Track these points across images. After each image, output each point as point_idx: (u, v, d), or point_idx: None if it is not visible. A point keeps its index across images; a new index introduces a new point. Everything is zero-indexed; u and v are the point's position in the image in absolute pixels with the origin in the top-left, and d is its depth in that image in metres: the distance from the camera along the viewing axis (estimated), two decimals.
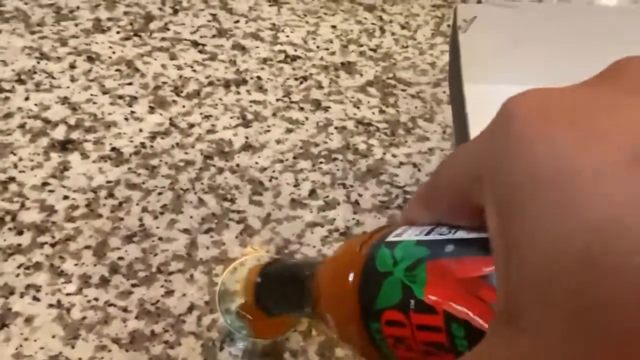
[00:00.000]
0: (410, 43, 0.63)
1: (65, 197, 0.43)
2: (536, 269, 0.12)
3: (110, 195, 0.44)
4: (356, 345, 0.22)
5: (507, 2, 0.36)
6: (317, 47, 0.60)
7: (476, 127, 0.35)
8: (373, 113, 0.55)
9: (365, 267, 0.21)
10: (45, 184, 0.44)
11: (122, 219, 0.43)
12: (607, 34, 0.41)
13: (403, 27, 0.65)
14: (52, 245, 0.40)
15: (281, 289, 0.30)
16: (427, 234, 0.20)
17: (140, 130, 0.49)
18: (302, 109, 0.54)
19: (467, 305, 0.17)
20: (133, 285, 0.39)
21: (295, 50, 0.59)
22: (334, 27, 0.63)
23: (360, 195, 0.48)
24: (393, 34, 0.64)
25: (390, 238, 0.22)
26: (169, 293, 0.39)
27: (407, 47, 0.63)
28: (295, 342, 0.38)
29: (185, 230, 0.43)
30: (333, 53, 0.60)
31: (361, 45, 0.62)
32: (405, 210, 0.23)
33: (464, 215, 0.19)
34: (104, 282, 0.39)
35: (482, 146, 0.16)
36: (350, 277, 0.22)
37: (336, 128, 0.53)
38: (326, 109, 0.54)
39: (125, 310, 0.38)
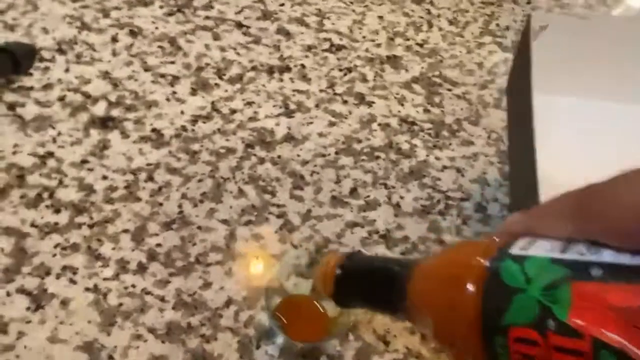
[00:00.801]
0: (457, 40, 0.61)
1: (105, 177, 0.42)
2: None
3: (150, 178, 0.43)
4: (466, 353, 0.21)
5: (582, 12, 0.34)
6: (363, 37, 0.58)
7: (542, 138, 0.34)
8: (417, 112, 0.53)
9: (489, 279, 0.20)
10: (84, 161, 0.43)
11: (161, 204, 0.42)
12: None
13: (451, 23, 0.63)
14: (90, 226, 0.39)
15: (368, 285, 0.28)
16: (563, 251, 0.19)
17: (182, 113, 0.47)
18: (345, 102, 0.52)
19: (624, 334, 0.16)
20: (171, 275, 0.38)
21: (341, 40, 0.57)
22: (380, 17, 0.61)
23: (401, 197, 0.47)
24: (440, 29, 0.62)
25: (516, 251, 0.20)
26: (207, 285, 0.38)
27: (454, 44, 0.61)
28: (332, 346, 0.38)
29: (225, 221, 0.42)
30: (379, 45, 0.58)
31: (408, 39, 0.60)
32: (525, 218, 0.21)
33: (635, 240, 0.17)
34: (142, 268, 0.38)
35: None
36: (470, 287, 0.20)
37: (379, 125, 0.51)
38: (370, 103, 0.53)
39: (162, 299, 0.37)
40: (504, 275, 0.20)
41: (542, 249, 0.20)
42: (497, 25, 0.63)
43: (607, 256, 0.18)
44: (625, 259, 0.17)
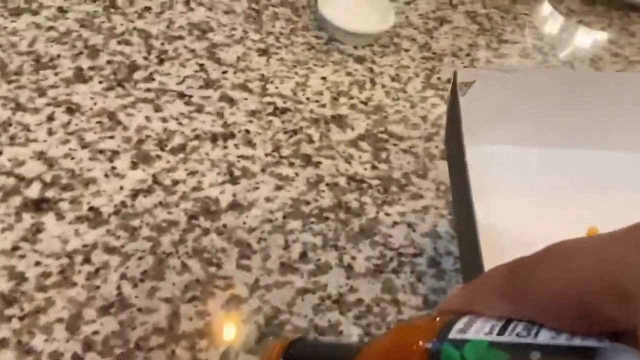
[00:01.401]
0: (401, 95, 0.62)
1: (37, 263, 0.40)
2: None
3: (87, 260, 0.41)
4: None
5: (506, 68, 0.35)
6: (307, 99, 0.59)
7: (476, 187, 0.34)
8: (365, 169, 0.53)
9: None
10: (15, 248, 0.41)
11: (98, 287, 0.39)
12: (606, 99, 0.40)
13: (393, 79, 0.64)
14: (21, 318, 0.37)
15: None
16: (500, 333, 0.18)
17: (121, 188, 0.46)
18: (292, 164, 0.52)
19: None
20: None
21: (285, 102, 0.58)
22: (324, 78, 0.62)
23: (353, 258, 0.46)
24: (384, 86, 0.63)
25: (455, 335, 0.19)
26: None
27: (398, 99, 0.62)
28: None
29: (167, 300, 0.40)
30: (323, 105, 0.59)
31: (352, 98, 0.61)
32: (459, 296, 0.21)
33: (575, 324, 0.16)
34: None
35: (629, 258, 0.14)
36: None
37: (327, 185, 0.51)
38: (317, 164, 0.52)
39: None
40: None
41: (481, 331, 0.18)
42: (439, 78, 0.65)
43: (545, 337, 0.17)
44: (562, 340, 0.16)
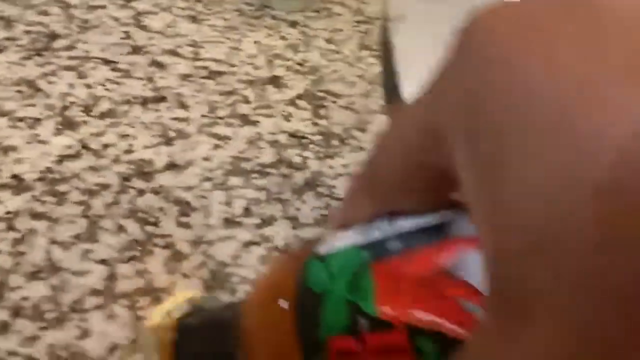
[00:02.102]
0: (337, 57, 0.62)
1: None
2: (540, 218, 0.09)
3: (10, 228, 0.38)
4: None
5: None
6: (241, 62, 0.57)
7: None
8: (305, 126, 0.52)
9: (298, 291, 0.17)
10: None
11: (24, 253, 0.37)
12: None
13: (328, 42, 0.63)
14: None
15: (204, 343, 0.25)
16: (364, 233, 0.17)
17: (46, 154, 0.43)
18: (229, 124, 0.50)
19: (429, 308, 0.14)
20: (41, 329, 0.33)
21: (219, 66, 0.56)
22: (257, 42, 0.60)
23: (298, 209, 0.45)
24: (319, 48, 0.62)
25: (322, 249, 0.18)
26: (86, 334, 0.33)
27: (334, 60, 0.61)
28: None
29: (103, 261, 0.37)
30: (258, 68, 0.57)
31: (287, 60, 0.59)
32: (338, 212, 0.20)
33: (416, 189, 0.16)
34: (4, 328, 0.33)
35: (440, 100, 0.13)
36: (282, 305, 0.18)
37: (267, 142, 0.50)
38: (255, 123, 0.51)
39: (31, 358, 0.32)
40: (311, 281, 0.17)
41: (347, 237, 0.18)
42: (373, 40, 0.65)
43: (405, 224, 0.16)
44: (422, 221, 0.16)
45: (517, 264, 0.10)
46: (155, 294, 0.36)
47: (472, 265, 0.14)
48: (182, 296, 0.33)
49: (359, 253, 0.17)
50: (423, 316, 0.14)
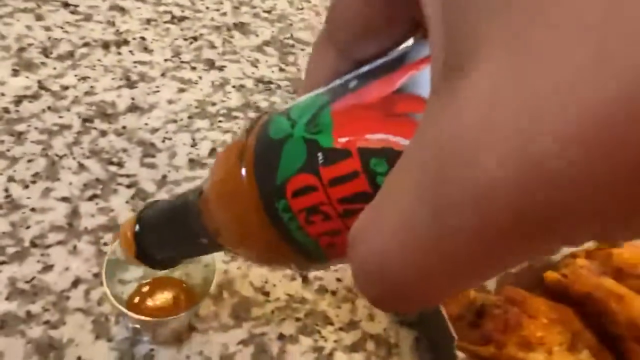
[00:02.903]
0: (305, 5, 0.61)
1: None
2: None
3: None
4: (261, 241, 0.18)
5: None
6: (207, 8, 0.56)
7: None
8: (272, 72, 0.52)
9: (257, 144, 0.17)
10: None
11: None
12: None
13: None
14: None
15: (168, 228, 0.24)
16: (328, 84, 0.17)
17: (2, 95, 0.42)
18: (194, 68, 0.49)
19: (383, 128, 0.14)
20: (1, 263, 0.33)
21: (183, 11, 0.55)
22: None
23: None
24: None
25: (286, 106, 0.18)
26: (48, 268, 0.33)
27: (302, 8, 0.60)
28: (206, 307, 0.34)
29: (64, 199, 0.37)
30: (224, 14, 0.56)
31: (254, 7, 0.58)
32: (306, 71, 0.19)
33: (375, 29, 0.15)
34: None
35: None
36: (243, 169, 0.18)
37: (234, 87, 0.49)
38: (221, 68, 0.50)
39: None
40: (271, 132, 0.17)
41: (311, 92, 0.17)
42: None
43: (366, 67, 0.16)
44: (380, 61, 0.16)
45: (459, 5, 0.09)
46: (119, 230, 0.36)
47: (424, 80, 0.14)
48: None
49: (320, 97, 0.16)
50: (375, 136, 0.14)
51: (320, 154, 0.15)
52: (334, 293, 0.37)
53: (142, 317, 0.28)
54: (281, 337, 0.34)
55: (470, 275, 0.09)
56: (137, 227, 0.25)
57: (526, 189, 0.07)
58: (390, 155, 0.14)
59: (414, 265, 0.09)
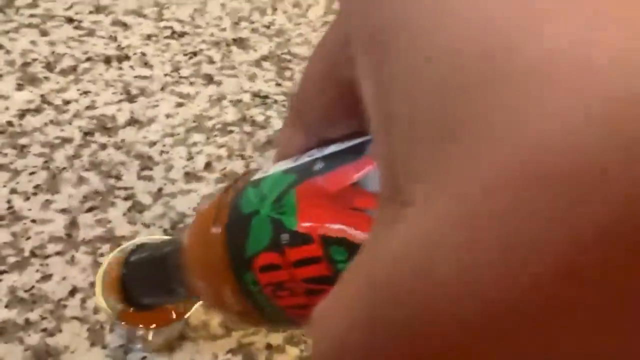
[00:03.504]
0: (302, 21, 0.62)
1: None
2: (419, 95, 0.09)
3: None
4: (234, 308, 0.19)
5: None
6: (207, 23, 0.58)
7: None
8: (269, 86, 0.53)
9: (230, 214, 0.18)
10: None
11: None
12: None
13: (295, 6, 0.64)
14: None
15: (149, 274, 0.26)
16: (296, 160, 0.18)
17: (6, 109, 0.43)
18: (192, 83, 0.51)
19: (342, 220, 0.15)
20: (1, 273, 0.34)
21: (183, 27, 0.56)
22: (222, 4, 0.61)
23: (260, 166, 0.46)
24: (285, 11, 0.63)
25: (256, 176, 0.19)
26: (46, 277, 0.35)
27: (300, 24, 0.62)
28: (197, 316, 0.35)
29: (64, 210, 0.38)
30: (224, 29, 0.58)
31: (253, 22, 0.60)
32: (276, 145, 0.21)
33: (339, 114, 0.17)
34: None
35: (349, 8, 0.14)
36: (215, 230, 0.19)
37: (231, 101, 0.50)
38: (219, 83, 0.52)
39: None
40: (242, 205, 0.18)
41: (280, 165, 0.19)
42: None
43: (332, 148, 0.17)
44: (344, 145, 0.17)
45: (402, 139, 0.10)
46: (116, 241, 0.37)
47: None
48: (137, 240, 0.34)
49: (287, 176, 0.18)
50: (336, 227, 0.16)
51: (285, 235, 0.17)
52: None
53: (136, 326, 0.29)
54: (268, 347, 0.35)
55: None
56: (124, 270, 0.26)
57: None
58: (348, 246, 0.15)
59: None
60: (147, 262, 0.26)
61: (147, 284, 0.26)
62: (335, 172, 0.16)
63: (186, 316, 0.31)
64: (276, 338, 0.35)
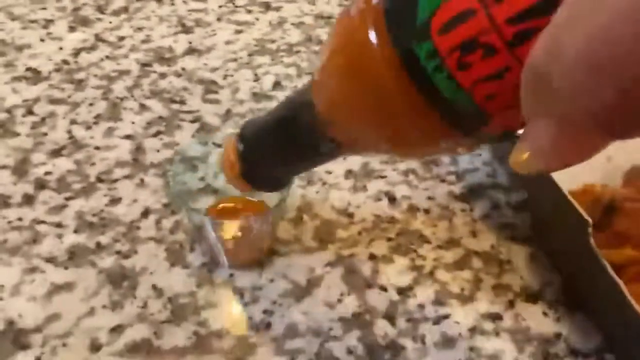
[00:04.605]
0: None
1: None
2: None
3: (29, 112, 0.36)
4: (407, 119, 0.15)
5: None
6: None
7: None
8: (332, 7, 0.48)
9: None
10: None
11: (45, 134, 0.34)
12: None
13: None
14: None
15: (277, 139, 0.21)
16: None
17: (61, 49, 0.41)
18: (250, 11, 0.47)
19: None
20: (67, 199, 0.31)
21: None
22: None
23: None
24: None
25: None
26: (115, 201, 0.31)
27: None
28: (286, 230, 0.30)
29: (128, 137, 0.35)
30: None
31: None
32: None
33: None
34: (28, 200, 0.30)
35: None
36: (370, 25, 0.15)
37: (293, 24, 0.46)
38: (278, 9, 0.47)
39: (59, 225, 0.29)
40: None
41: None
42: None
43: None
44: None
45: None
46: (188, 162, 0.33)
47: None
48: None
49: None
50: None
51: None
52: (427, 211, 0.32)
53: (223, 221, 0.25)
54: (372, 257, 0.30)
55: None
56: (241, 145, 0.22)
57: None
58: None
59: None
60: (269, 124, 0.22)
61: (272, 149, 0.22)
62: None
63: (278, 211, 0.26)
64: (380, 247, 0.30)
